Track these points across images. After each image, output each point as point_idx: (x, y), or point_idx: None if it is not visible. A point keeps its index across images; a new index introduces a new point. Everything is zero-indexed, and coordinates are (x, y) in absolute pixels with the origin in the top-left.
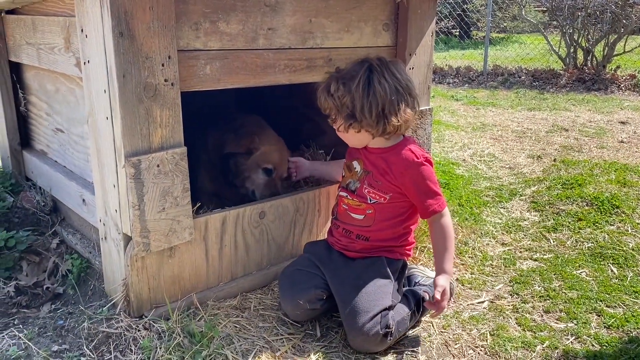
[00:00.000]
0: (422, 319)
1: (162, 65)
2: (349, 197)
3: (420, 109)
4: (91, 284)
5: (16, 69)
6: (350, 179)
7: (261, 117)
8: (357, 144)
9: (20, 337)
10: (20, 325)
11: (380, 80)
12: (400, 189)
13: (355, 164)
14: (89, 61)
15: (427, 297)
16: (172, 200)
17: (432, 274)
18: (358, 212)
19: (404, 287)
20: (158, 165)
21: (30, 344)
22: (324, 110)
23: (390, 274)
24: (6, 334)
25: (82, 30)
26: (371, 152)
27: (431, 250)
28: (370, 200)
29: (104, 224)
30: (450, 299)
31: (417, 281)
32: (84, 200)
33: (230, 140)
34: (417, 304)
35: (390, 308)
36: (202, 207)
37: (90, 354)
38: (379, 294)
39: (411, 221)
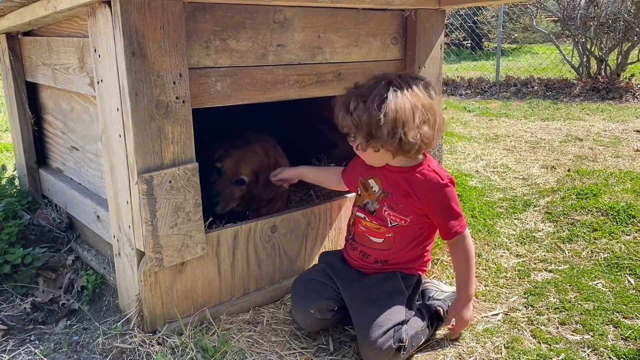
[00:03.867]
0: (436, 332)
1: (174, 83)
2: (367, 219)
3: None
4: (106, 299)
5: (32, 89)
6: (368, 198)
7: (261, 132)
8: (376, 163)
9: (36, 353)
10: (37, 341)
11: (397, 97)
12: (423, 211)
13: (372, 182)
14: (102, 80)
15: (441, 312)
16: (184, 215)
17: (446, 287)
18: (377, 235)
19: (417, 301)
20: (170, 181)
21: None
22: (342, 128)
23: (405, 289)
24: (22, 350)
25: (95, 50)
26: (391, 172)
27: (445, 262)
28: (391, 224)
29: (117, 240)
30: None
31: (431, 295)
32: (98, 216)
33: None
34: (431, 318)
35: (403, 322)
36: (215, 222)
37: None
38: (392, 308)
39: (429, 240)
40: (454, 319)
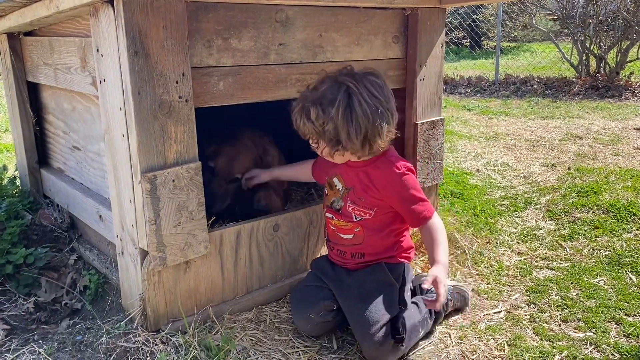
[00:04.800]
0: (438, 328)
1: (176, 82)
2: (334, 218)
3: (432, 119)
4: (109, 299)
5: (34, 89)
6: (334, 197)
7: (252, 130)
8: (340, 161)
9: (40, 353)
10: (40, 341)
11: (361, 104)
12: (385, 202)
13: (336, 180)
14: (104, 80)
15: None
16: (188, 214)
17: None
18: (346, 232)
19: (413, 294)
20: (173, 181)
21: (49, 359)
22: (303, 134)
23: (394, 280)
24: (26, 350)
25: (97, 50)
26: (351, 166)
27: None
28: (356, 218)
29: (120, 239)
30: (466, 307)
31: (428, 289)
32: (100, 216)
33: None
34: (430, 311)
35: (399, 315)
36: (218, 221)
37: None
38: (385, 302)
39: (402, 227)
40: (425, 284)
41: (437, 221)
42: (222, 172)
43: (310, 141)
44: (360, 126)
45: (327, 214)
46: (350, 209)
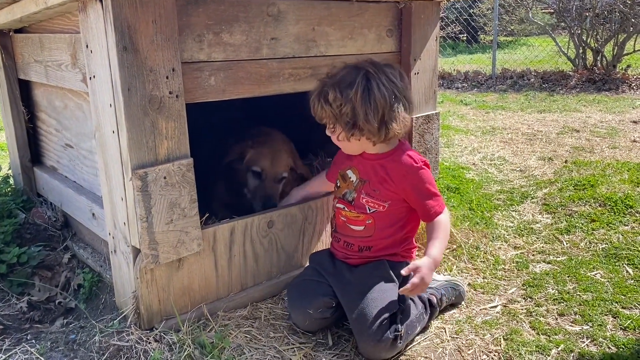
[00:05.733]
0: (434, 323)
1: (167, 77)
2: (346, 209)
3: (427, 113)
4: (102, 297)
5: (25, 86)
6: (347, 189)
7: (274, 129)
8: (355, 152)
9: (32, 352)
10: (33, 341)
11: (379, 87)
12: (400, 195)
13: (350, 173)
14: (94, 76)
15: (434, 300)
16: (180, 211)
17: (439, 276)
18: (357, 223)
19: None
20: (165, 177)
21: (42, 359)
22: (320, 119)
23: (394, 277)
24: (19, 349)
25: (87, 46)
26: (367, 159)
27: (444, 257)
28: (369, 210)
29: (113, 237)
30: (462, 302)
31: (405, 275)
32: (93, 214)
33: (230, 149)
34: (425, 306)
35: (397, 312)
36: (211, 218)
37: None
38: (385, 298)
39: (411, 225)
40: (404, 271)
41: (444, 217)
42: (270, 174)
43: (327, 127)
44: (378, 108)
45: (338, 205)
46: (364, 200)
